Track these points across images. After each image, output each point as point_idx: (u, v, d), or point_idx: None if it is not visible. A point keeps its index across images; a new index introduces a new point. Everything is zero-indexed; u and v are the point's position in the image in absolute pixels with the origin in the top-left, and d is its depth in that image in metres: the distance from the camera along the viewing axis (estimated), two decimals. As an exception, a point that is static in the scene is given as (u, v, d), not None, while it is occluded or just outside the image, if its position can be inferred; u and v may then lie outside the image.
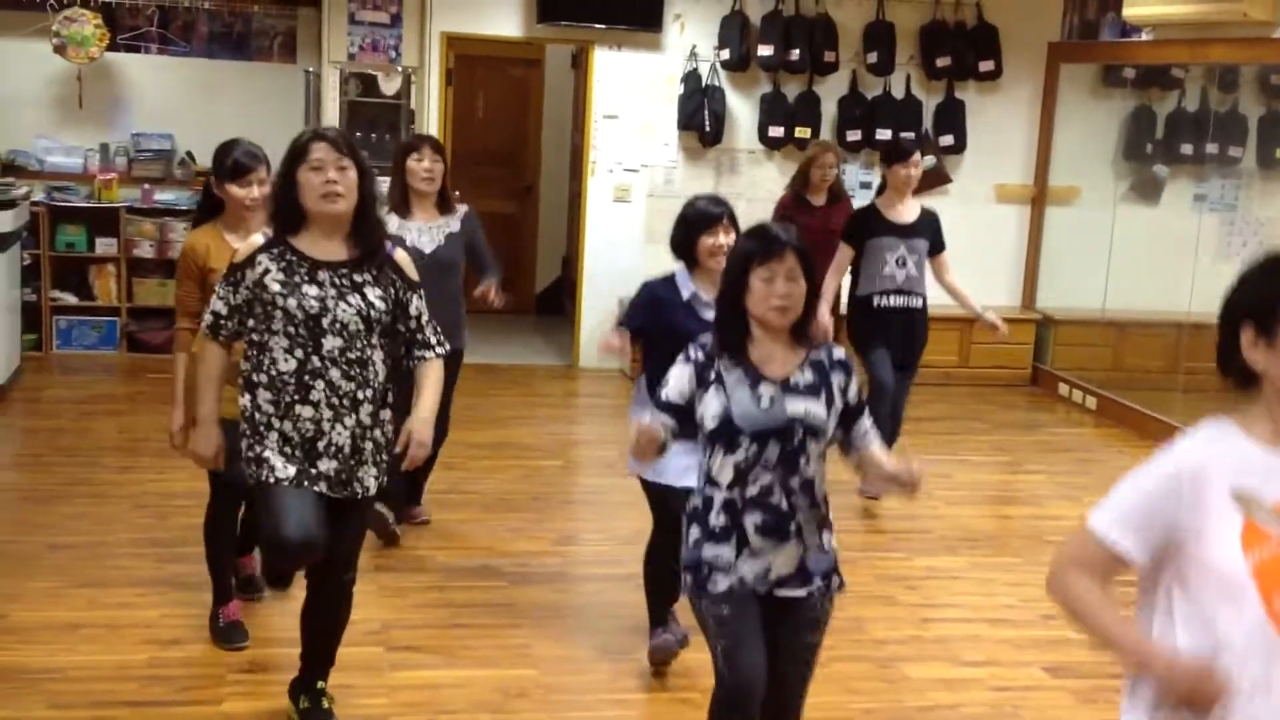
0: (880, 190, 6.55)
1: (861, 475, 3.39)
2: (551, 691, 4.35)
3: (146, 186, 8.87)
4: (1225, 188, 9.17)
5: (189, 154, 9.07)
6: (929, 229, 6.41)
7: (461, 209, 5.63)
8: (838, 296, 6.56)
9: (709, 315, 4.00)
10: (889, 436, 6.56)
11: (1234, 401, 2.29)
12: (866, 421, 3.30)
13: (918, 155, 6.39)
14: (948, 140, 9.34)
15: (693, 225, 4.25)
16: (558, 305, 10.86)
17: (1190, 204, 9.15)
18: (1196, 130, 9.20)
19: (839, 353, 3.28)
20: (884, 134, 9.17)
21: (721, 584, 3.19)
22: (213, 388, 3.76)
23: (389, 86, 8.91)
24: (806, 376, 3.18)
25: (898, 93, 9.27)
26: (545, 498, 6.45)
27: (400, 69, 8.87)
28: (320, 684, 3.97)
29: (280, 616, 4.17)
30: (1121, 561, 2.26)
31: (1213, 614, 2.18)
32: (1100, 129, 9.53)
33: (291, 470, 3.62)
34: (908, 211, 6.38)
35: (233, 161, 4.36)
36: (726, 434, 3.13)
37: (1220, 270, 8.92)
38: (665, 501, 4.12)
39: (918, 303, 6.40)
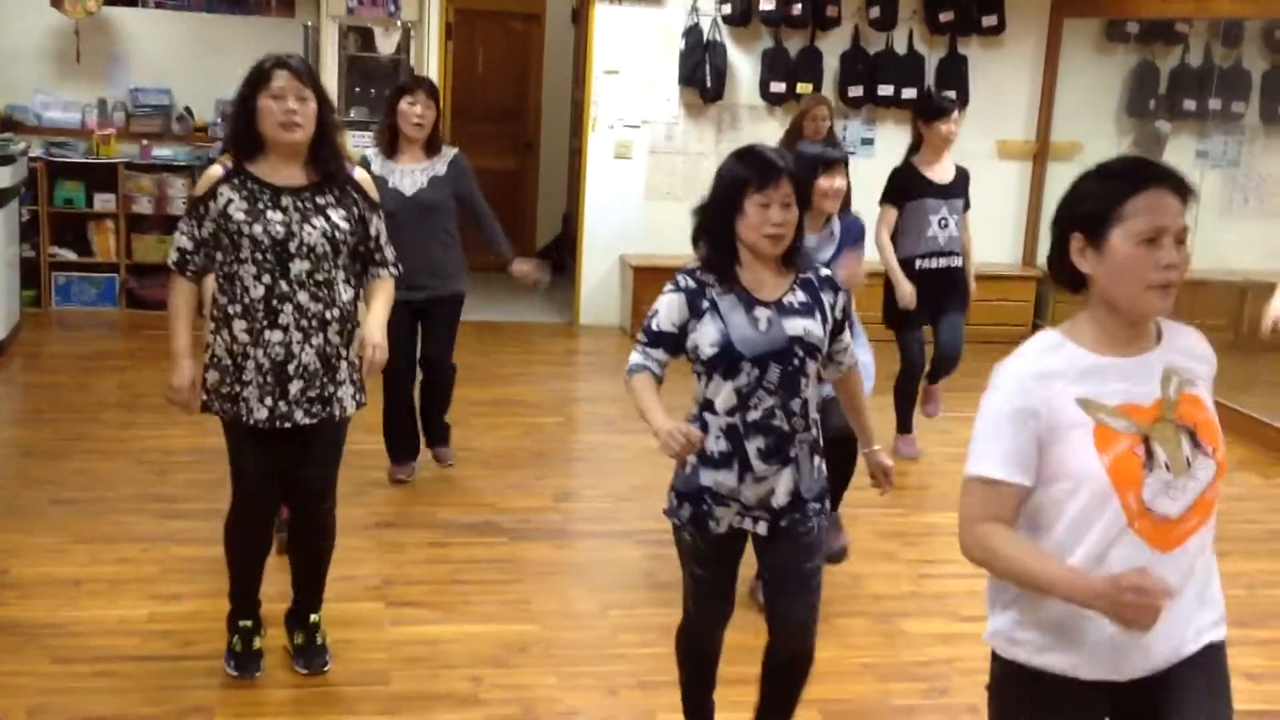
0: (914, 148, 6.35)
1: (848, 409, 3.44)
2: (552, 646, 4.37)
3: (145, 142, 8.84)
4: (1228, 144, 9.13)
5: (187, 109, 9.03)
6: (964, 187, 6.30)
7: (449, 152, 5.56)
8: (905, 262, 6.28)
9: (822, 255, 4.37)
10: (947, 364, 6.50)
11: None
12: (847, 337, 3.30)
13: (957, 113, 6.24)
14: (950, 96, 9.28)
15: (810, 168, 4.38)
16: (558, 262, 10.84)
17: (1193, 160, 9.11)
18: (1199, 86, 9.15)
19: (826, 271, 3.29)
20: (886, 90, 9.14)
21: (719, 525, 3.20)
22: (185, 324, 3.79)
23: (387, 42, 8.85)
24: (799, 296, 3.17)
25: (900, 48, 9.21)
26: (545, 454, 6.46)
27: (399, 23, 8.81)
28: (314, 617, 4.05)
29: (281, 571, 4.19)
30: (1018, 496, 2.30)
31: (1075, 513, 2.26)
32: (1103, 84, 9.48)
33: (264, 412, 3.72)
34: (945, 170, 6.26)
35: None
36: (726, 360, 3.10)
37: (1223, 226, 8.91)
38: None
39: (957, 262, 6.30)
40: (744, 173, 3.12)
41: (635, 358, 3.20)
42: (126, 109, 8.98)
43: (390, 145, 5.47)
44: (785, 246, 3.13)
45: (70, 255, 8.82)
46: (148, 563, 4.82)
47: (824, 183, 4.41)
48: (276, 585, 4.15)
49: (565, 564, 5.15)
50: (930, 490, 6.16)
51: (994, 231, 9.44)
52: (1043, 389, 2.27)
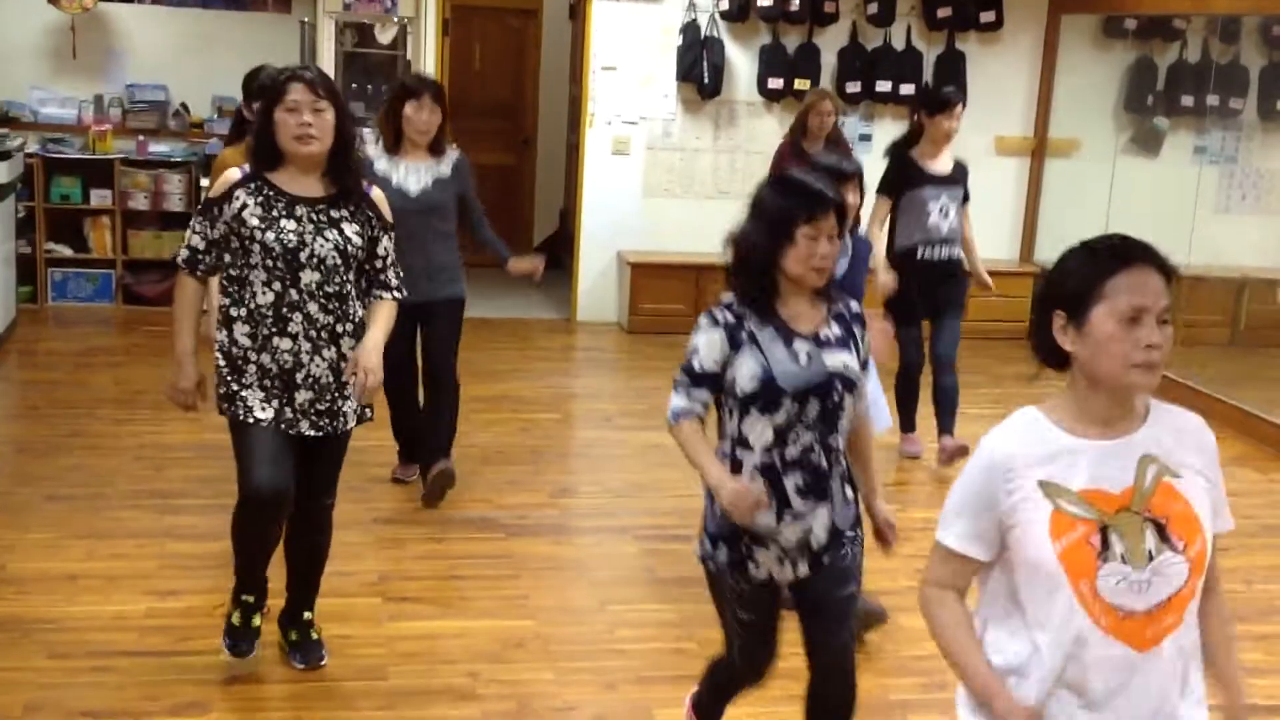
0: (910, 140, 6.31)
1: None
2: (549, 642, 4.37)
3: (141, 138, 8.82)
4: (1226, 140, 9.14)
5: (183, 105, 9.02)
6: (964, 179, 6.28)
7: (453, 154, 5.45)
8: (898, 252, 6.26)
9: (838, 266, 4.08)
10: (948, 402, 6.37)
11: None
12: (866, 384, 3.23)
13: (960, 107, 6.20)
14: (954, 89, 9.26)
15: None
16: (555, 259, 10.82)
17: (1190, 156, 9.12)
18: (1197, 82, 9.15)
19: (856, 306, 3.21)
20: (884, 86, 9.13)
21: (759, 569, 3.11)
22: (190, 323, 3.78)
23: (384, 36, 8.85)
24: (835, 330, 3.09)
25: (898, 44, 9.20)
26: (542, 450, 6.45)
27: (396, 19, 8.80)
28: (307, 614, 4.06)
29: (276, 565, 4.17)
30: (975, 568, 2.37)
31: (1034, 598, 2.26)
32: (1101, 80, 9.47)
33: (269, 412, 3.70)
34: (944, 162, 6.22)
35: (259, 84, 4.59)
36: (766, 395, 3.00)
37: (1220, 223, 8.92)
38: None
39: (958, 252, 6.27)
40: (794, 204, 3.02)
41: (679, 402, 3.08)
42: (123, 105, 8.96)
43: (393, 144, 5.39)
44: (828, 277, 3.06)
45: (66, 251, 8.80)
46: (144, 558, 4.81)
47: None
48: (276, 580, 4.13)
49: (563, 560, 5.15)
50: (927, 486, 6.16)
51: (992, 228, 9.43)
52: (1009, 472, 2.27)
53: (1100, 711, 2.25)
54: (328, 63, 8.69)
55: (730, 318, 3.06)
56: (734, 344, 3.03)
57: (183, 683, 3.93)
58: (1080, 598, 2.20)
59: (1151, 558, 2.20)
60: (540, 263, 5.70)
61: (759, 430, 3.03)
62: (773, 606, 3.23)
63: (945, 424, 6.43)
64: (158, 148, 8.85)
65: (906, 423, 6.56)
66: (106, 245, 8.80)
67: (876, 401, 4.50)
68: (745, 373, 3.01)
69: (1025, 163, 9.68)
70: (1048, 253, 9.55)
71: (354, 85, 8.89)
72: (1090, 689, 2.23)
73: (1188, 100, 9.22)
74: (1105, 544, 2.20)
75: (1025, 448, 2.28)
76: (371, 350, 3.72)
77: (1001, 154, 9.57)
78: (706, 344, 3.05)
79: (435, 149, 5.37)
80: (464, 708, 3.91)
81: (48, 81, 8.91)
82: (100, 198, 8.73)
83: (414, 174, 5.31)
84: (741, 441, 3.06)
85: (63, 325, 8.41)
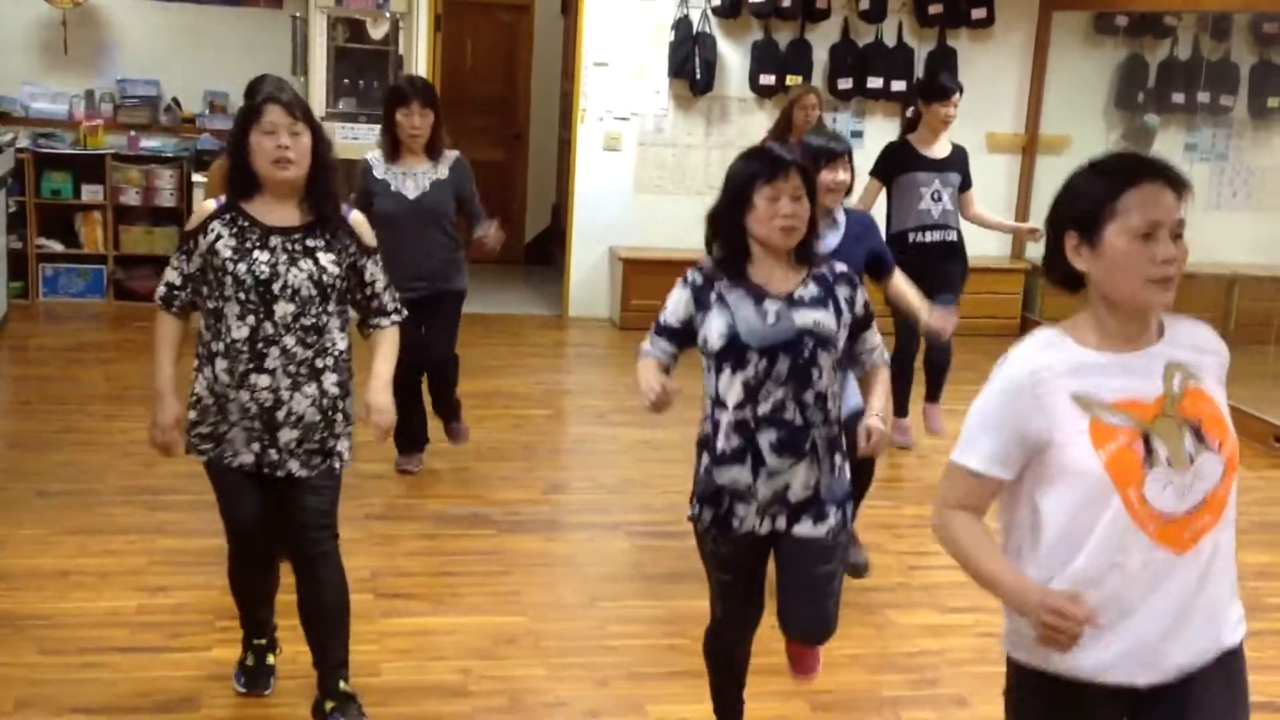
0: (910, 127, 6.48)
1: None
2: (541, 638, 4.37)
3: (132, 133, 8.80)
4: (1216, 137, 9.16)
5: (175, 100, 9.00)
6: (961, 164, 6.37)
7: (451, 156, 5.49)
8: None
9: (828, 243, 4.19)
10: (936, 372, 6.52)
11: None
12: (875, 338, 3.28)
13: (957, 95, 6.31)
14: (953, 78, 9.27)
15: (814, 160, 4.19)
16: (546, 255, 10.83)
17: (1181, 153, 9.13)
18: (1188, 79, 9.17)
19: (841, 266, 3.26)
20: (875, 82, 9.14)
21: (742, 524, 3.18)
22: (168, 359, 3.68)
23: (376, 32, 8.83)
24: (811, 290, 3.16)
25: (889, 40, 9.21)
26: (534, 447, 6.45)
27: (388, 14, 8.79)
28: (343, 686, 3.73)
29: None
30: (996, 488, 2.33)
31: (1075, 511, 2.24)
32: (1092, 77, 9.49)
33: (250, 456, 3.56)
34: (940, 147, 6.34)
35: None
36: (734, 351, 3.10)
37: (1211, 219, 8.93)
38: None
39: (953, 236, 6.35)
40: (752, 167, 3.14)
41: (644, 344, 3.27)
42: (114, 100, 8.94)
43: (391, 150, 5.41)
44: (798, 238, 3.12)
45: (57, 247, 8.78)
46: (135, 554, 4.81)
47: (826, 175, 4.30)
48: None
49: (554, 556, 5.15)
50: (920, 482, 6.16)
51: (983, 224, 9.44)
52: (1036, 388, 2.25)
53: (1134, 616, 2.25)
54: (319, 58, 8.66)
55: (699, 279, 3.20)
56: (700, 304, 3.17)
57: (174, 679, 3.94)
58: (1129, 505, 2.21)
59: (1192, 460, 2.24)
60: (492, 226, 5.52)
61: (733, 388, 3.13)
62: (753, 566, 3.30)
63: (933, 392, 6.50)
64: (149, 143, 8.83)
65: (899, 406, 6.56)
66: (98, 241, 8.78)
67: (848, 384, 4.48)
68: (714, 331, 3.13)
69: (1016, 159, 9.69)
70: (1039, 250, 9.55)
71: (345, 81, 8.87)
72: (1128, 594, 2.23)
73: (1178, 97, 9.25)
74: (1149, 450, 2.22)
75: (1052, 364, 2.27)
76: (381, 390, 3.66)
77: (992, 151, 9.58)
78: (674, 301, 3.23)
79: (432, 152, 5.40)
80: (456, 704, 3.91)
81: (39, 76, 8.89)
82: (91, 193, 8.70)
83: (411, 178, 5.37)
84: (718, 400, 3.17)
85: (54, 321, 8.39)
